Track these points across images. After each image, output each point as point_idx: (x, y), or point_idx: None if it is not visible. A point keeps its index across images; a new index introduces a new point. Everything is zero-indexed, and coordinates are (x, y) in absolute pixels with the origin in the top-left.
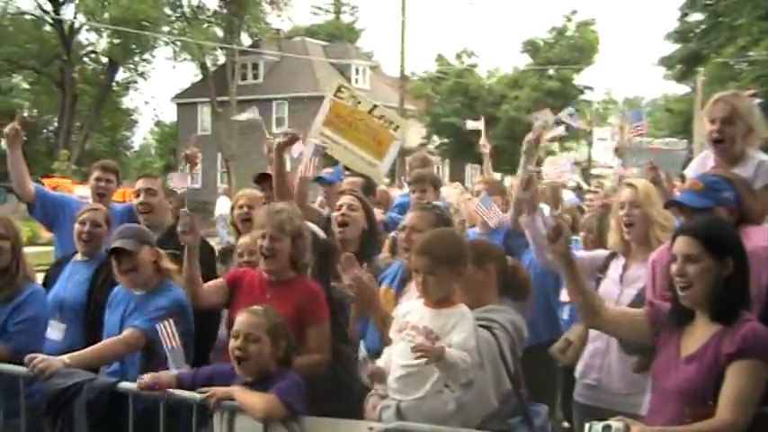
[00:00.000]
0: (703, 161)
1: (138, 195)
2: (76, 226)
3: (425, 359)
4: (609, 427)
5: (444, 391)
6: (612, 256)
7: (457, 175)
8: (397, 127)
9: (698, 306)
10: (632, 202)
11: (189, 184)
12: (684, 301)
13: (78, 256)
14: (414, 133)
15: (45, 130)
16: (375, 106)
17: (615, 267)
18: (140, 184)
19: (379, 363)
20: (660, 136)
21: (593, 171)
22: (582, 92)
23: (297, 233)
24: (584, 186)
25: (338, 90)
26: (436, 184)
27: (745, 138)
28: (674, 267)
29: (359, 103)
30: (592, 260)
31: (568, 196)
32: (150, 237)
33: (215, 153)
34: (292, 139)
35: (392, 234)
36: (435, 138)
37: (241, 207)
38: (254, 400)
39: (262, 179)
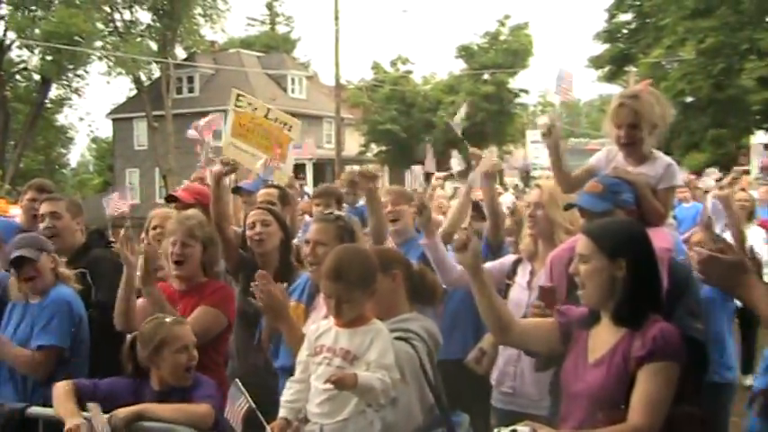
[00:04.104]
0: (607, 155)
1: (42, 220)
2: None
3: (339, 387)
4: (515, 431)
5: (368, 411)
6: (518, 261)
7: (396, 182)
8: (291, 127)
9: (595, 306)
10: (537, 203)
11: (125, 206)
12: (581, 300)
13: None
14: (352, 142)
15: None
16: (269, 110)
17: (522, 273)
18: (44, 208)
19: (291, 383)
20: (596, 137)
21: (534, 173)
22: (517, 95)
23: (208, 240)
24: (522, 187)
25: (237, 99)
26: (340, 200)
27: (651, 134)
28: (571, 267)
29: (255, 109)
30: (501, 267)
31: (508, 198)
32: (47, 244)
33: (152, 168)
34: (231, 170)
35: (295, 241)
36: (373, 146)
37: (155, 228)
38: (195, 409)
39: (172, 200)
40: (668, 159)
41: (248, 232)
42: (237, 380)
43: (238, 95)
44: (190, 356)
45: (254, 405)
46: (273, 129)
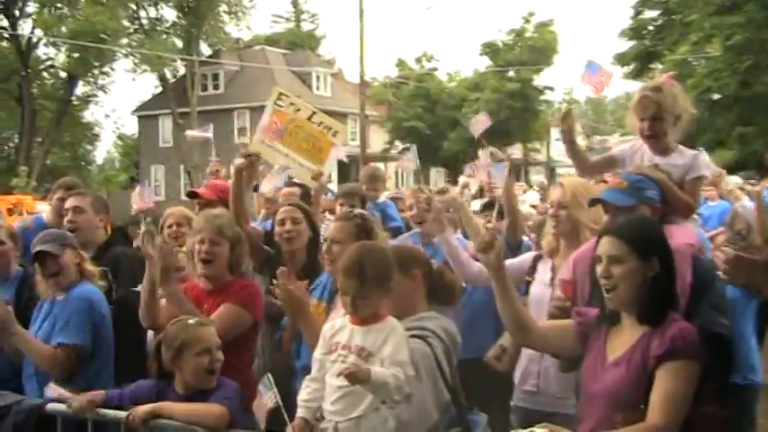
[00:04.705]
0: (631, 147)
1: (66, 214)
2: None
3: (352, 381)
4: None
5: (382, 409)
6: (538, 258)
7: (422, 179)
8: (336, 132)
9: (624, 308)
10: (560, 203)
11: (147, 203)
12: (610, 303)
13: None
14: (377, 139)
15: (5, 147)
16: (314, 113)
17: (543, 269)
18: (69, 202)
19: (308, 382)
20: (622, 134)
21: (559, 171)
22: (542, 92)
23: (236, 239)
24: (547, 185)
25: (278, 98)
26: (364, 200)
27: (675, 126)
28: (598, 269)
29: (298, 110)
30: (520, 264)
31: (533, 196)
32: (72, 240)
33: (178, 165)
34: (252, 163)
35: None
36: (398, 143)
37: (170, 227)
38: (208, 410)
39: (194, 196)
40: (694, 150)
41: (277, 228)
42: (269, 374)
43: (280, 94)
44: (213, 359)
45: (281, 402)
46: (315, 132)
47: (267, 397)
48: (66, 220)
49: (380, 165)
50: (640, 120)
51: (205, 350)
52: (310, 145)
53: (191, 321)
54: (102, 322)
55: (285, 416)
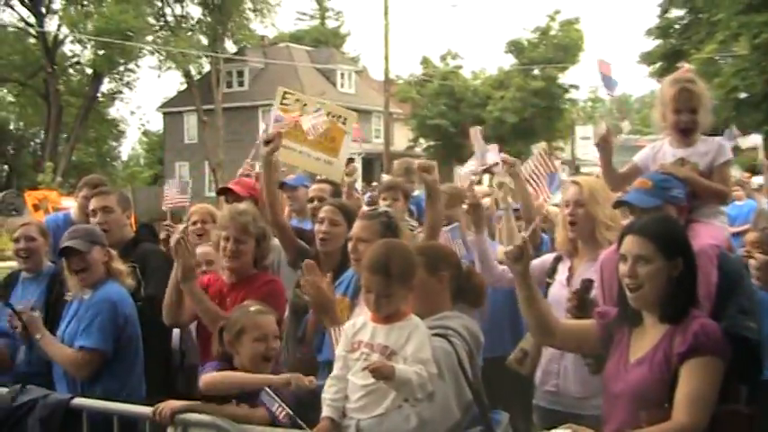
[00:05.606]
0: (652, 150)
1: (94, 215)
2: (12, 245)
3: (377, 376)
4: None
5: (404, 407)
6: (559, 259)
7: (446, 177)
8: (345, 120)
9: (647, 307)
10: (576, 201)
11: (175, 200)
12: (634, 303)
13: (24, 274)
14: (401, 136)
15: (32, 143)
16: (321, 104)
17: (562, 270)
18: (95, 203)
19: (332, 380)
20: (647, 133)
21: (584, 170)
22: (567, 91)
23: (261, 235)
24: None
25: (283, 97)
26: (407, 195)
27: (705, 118)
28: (623, 268)
29: (305, 105)
30: (542, 265)
31: (558, 195)
32: (101, 237)
33: (202, 162)
34: (275, 145)
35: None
36: (422, 140)
37: (195, 223)
38: (252, 415)
39: (224, 192)
40: (719, 139)
41: (316, 227)
42: (267, 388)
43: (285, 93)
44: (269, 346)
45: (291, 412)
46: (325, 124)
47: (276, 408)
48: (96, 221)
49: (410, 159)
50: (676, 112)
51: (262, 337)
52: (323, 136)
53: (252, 308)
54: (125, 322)
55: (301, 423)
